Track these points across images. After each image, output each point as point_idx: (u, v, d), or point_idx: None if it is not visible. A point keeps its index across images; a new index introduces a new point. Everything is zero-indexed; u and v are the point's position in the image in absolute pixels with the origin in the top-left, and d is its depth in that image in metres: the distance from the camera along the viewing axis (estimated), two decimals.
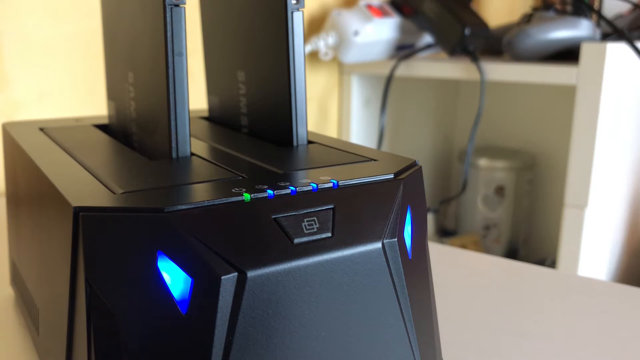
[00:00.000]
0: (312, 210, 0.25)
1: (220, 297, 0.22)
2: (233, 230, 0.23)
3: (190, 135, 0.31)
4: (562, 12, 0.87)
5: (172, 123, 0.30)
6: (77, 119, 0.42)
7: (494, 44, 0.91)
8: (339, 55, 0.93)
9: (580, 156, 0.77)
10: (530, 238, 1.15)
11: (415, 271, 0.28)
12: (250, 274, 0.23)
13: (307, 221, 0.25)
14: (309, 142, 0.35)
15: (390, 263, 0.26)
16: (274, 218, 0.24)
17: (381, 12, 0.92)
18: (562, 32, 0.80)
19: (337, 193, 0.26)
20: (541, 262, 1.05)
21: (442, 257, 0.51)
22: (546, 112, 1.11)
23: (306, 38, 0.93)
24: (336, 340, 0.25)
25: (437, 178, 1.23)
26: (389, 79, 0.93)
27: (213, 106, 0.42)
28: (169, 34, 0.29)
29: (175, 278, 0.22)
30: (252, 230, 0.23)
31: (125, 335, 0.22)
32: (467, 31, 0.84)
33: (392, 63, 0.93)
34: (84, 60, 0.73)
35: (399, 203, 0.27)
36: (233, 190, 0.25)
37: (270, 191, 0.25)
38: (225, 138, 0.37)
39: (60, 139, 0.35)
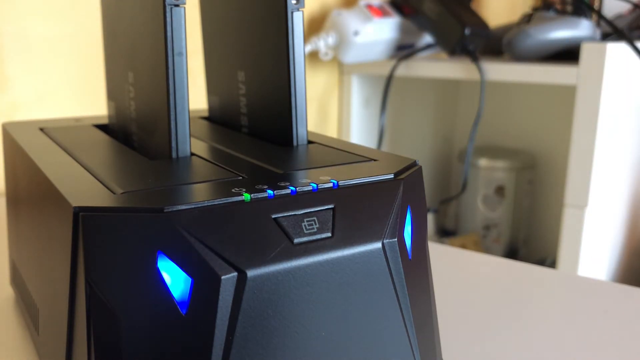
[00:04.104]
0: (312, 210, 0.25)
1: (220, 297, 0.22)
2: (233, 230, 0.23)
3: (190, 135, 0.31)
4: (562, 12, 0.87)
5: (172, 123, 0.30)
6: (77, 119, 0.42)
7: (494, 44, 0.91)
8: (339, 55, 0.93)
9: (580, 156, 0.77)
10: (530, 238, 1.15)
11: (415, 271, 0.27)
12: (250, 274, 0.23)
13: (307, 221, 0.25)
14: (309, 142, 0.35)
15: (390, 263, 0.26)
16: (274, 218, 0.24)
17: (381, 12, 0.92)
18: (562, 32, 0.80)
19: (337, 193, 0.26)
20: (541, 262, 1.05)
21: (442, 257, 0.51)
22: (546, 112, 1.11)
23: (306, 38, 0.93)
24: (336, 340, 0.25)
25: (437, 178, 1.23)
26: (389, 79, 0.93)
27: (213, 106, 0.42)
28: (169, 34, 0.29)
29: (175, 278, 0.22)
30: (252, 230, 0.23)
31: (125, 335, 0.22)
32: (467, 31, 0.84)
33: (392, 63, 0.93)
34: (84, 60, 0.73)
35: (399, 203, 0.27)
36: (233, 190, 0.25)
37: (270, 191, 0.25)
38: (225, 138, 0.37)
39: (60, 139, 0.35)
